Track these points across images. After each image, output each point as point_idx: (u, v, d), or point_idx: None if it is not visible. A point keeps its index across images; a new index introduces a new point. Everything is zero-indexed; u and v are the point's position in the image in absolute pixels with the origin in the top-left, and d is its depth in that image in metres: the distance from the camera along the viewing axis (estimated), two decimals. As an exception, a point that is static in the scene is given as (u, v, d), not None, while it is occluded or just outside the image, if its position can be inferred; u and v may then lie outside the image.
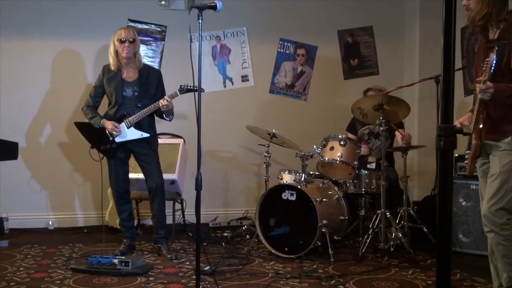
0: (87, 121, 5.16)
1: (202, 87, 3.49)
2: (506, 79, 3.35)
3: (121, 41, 4.99)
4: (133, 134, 5.03)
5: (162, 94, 5.10)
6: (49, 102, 6.45)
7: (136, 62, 5.09)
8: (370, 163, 5.66)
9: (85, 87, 6.35)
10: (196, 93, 3.43)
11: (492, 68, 3.24)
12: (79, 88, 6.44)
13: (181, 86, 4.94)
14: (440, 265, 1.54)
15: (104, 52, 6.17)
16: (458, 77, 6.17)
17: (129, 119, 4.99)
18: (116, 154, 5.09)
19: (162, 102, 4.90)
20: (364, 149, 5.70)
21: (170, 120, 5.19)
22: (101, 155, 5.15)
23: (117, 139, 5.03)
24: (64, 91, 6.46)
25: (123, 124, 5.01)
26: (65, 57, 6.47)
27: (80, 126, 5.25)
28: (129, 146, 5.10)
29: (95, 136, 5.10)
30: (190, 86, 4.87)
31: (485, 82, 3.23)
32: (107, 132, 5.02)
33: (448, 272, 1.56)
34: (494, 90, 3.23)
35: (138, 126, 5.03)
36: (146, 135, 5.06)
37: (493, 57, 3.25)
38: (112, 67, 5.06)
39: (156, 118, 5.22)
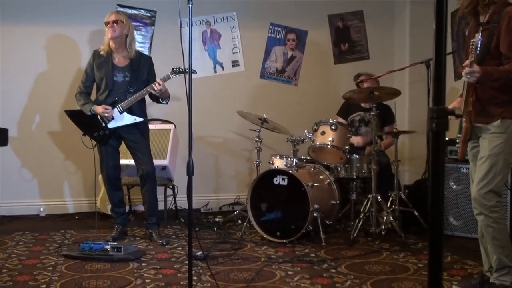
0: (77, 108, 5.13)
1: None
2: (496, 61, 3.36)
3: (106, 24, 5.01)
4: (126, 119, 5.01)
5: (153, 80, 5.07)
6: (40, 89, 6.39)
7: (128, 48, 5.05)
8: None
9: (76, 73, 6.30)
10: (187, 78, 3.41)
11: (478, 48, 3.25)
12: (70, 74, 6.39)
13: (173, 68, 4.92)
14: (433, 247, 1.55)
15: (94, 37, 6.17)
16: (448, 61, 6.17)
17: (122, 104, 4.96)
18: (108, 141, 5.06)
19: (155, 87, 4.88)
20: (358, 140, 5.72)
21: (167, 103, 5.18)
22: (94, 142, 5.12)
23: (110, 125, 4.99)
24: (55, 78, 6.40)
25: (115, 109, 4.97)
26: (55, 43, 6.41)
27: (71, 114, 5.19)
28: (120, 133, 5.07)
29: (86, 123, 5.05)
30: (182, 68, 4.86)
31: (472, 64, 3.24)
32: (99, 117, 4.99)
33: (440, 255, 1.56)
34: (481, 73, 3.24)
35: (130, 111, 5.01)
36: (139, 119, 5.04)
37: (478, 37, 3.25)
38: (102, 52, 5.03)
39: (148, 103, 5.21)
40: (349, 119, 5.99)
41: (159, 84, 4.89)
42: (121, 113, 4.98)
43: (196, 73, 5.10)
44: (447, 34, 1.63)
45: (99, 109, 4.96)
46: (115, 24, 4.98)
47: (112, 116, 4.97)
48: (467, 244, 4.84)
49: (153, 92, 4.93)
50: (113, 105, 4.97)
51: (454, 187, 5.20)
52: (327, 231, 5.19)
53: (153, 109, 5.88)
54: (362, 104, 5.87)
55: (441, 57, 1.48)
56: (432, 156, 1.55)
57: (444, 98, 1.51)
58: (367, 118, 5.84)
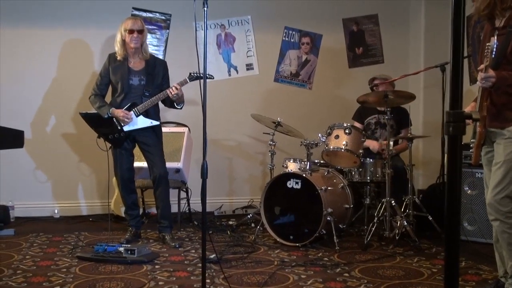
0: (91, 110, 5.15)
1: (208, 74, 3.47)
2: (511, 66, 3.33)
3: (129, 32, 4.97)
4: (142, 122, 5.03)
5: (167, 85, 5.09)
6: (55, 92, 6.43)
7: (143, 52, 5.07)
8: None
9: (91, 76, 6.33)
10: (202, 81, 3.42)
11: (493, 52, 3.22)
12: (85, 77, 6.42)
13: (190, 73, 4.94)
14: (449, 248, 1.53)
15: (109, 41, 6.17)
16: (464, 65, 6.14)
17: (138, 107, 4.98)
18: (123, 144, 5.08)
19: (172, 91, 4.90)
20: (373, 145, 5.68)
21: (181, 108, 5.19)
22: (109, 145, 5.14)
23: (126, 128, 5.01)
24: (70, 81, 6.43)
25: (131, 112, 4.99)
26: (70, 46, 6.45)
27: (85, 116, 5.20)
28: (135, 136, 5.09)
29: (102, 125, 5.06)
30: (199, 74, 4.86)
31: (487, 68, 3.21)
32: (114, 121, 5.01)
33: (456, 260, 1.55)
34: (496, 78, 3.22)
35: (146, 114, 5.03)
36: (156, 123, 5.07)
37: (493, 41, 3.22)
38: (118, 57, 5.04)
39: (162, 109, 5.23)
40: (365, 122, 5.96)
41: (176, 89, 4.90)
42: (137, 116, 5.00)
43: (213, 78, 5.11)
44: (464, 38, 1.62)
45: (119, 113, 4.97)
46: (139, 34, 4.99)
47: (131, 118, 4.99)
48: (481, 249, 4.81)
49: (170, 96, 4.94)
50: (131, 107, 4.99)
51: (469, 192, 5.17)
52: (340, 235, 5.17)
53: (167, 112, 5.89)
54: (378, 107, 5.84)
55: (459, 61, 1.47)
56: (449, 160, 1.54)
57: (461, 102, 1.51)
58: (383, 121, 5.81)
